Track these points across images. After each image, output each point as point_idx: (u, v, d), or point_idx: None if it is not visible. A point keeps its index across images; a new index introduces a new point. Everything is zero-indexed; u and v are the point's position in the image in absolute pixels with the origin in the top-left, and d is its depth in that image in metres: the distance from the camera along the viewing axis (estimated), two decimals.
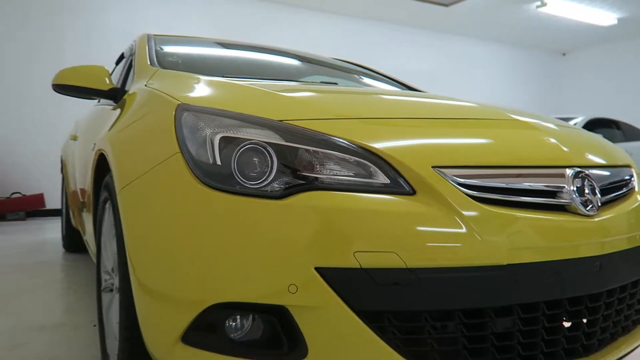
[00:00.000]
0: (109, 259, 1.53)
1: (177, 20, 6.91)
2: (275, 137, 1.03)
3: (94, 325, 2.01)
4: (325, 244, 0.92)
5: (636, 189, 1.33)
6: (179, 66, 2.02)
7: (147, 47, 2.08)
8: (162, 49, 2.16)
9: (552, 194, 1.08)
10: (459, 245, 0.94)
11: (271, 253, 0.93)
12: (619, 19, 8.26)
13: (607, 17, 8.17)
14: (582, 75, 10.66)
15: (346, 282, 0.91)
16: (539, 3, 7.50)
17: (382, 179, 0.99)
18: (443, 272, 0.93)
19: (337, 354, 0.93)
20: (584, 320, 1.08)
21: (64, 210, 3.79)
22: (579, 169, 1.12)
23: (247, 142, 1.01)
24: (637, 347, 1.26)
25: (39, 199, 5.96)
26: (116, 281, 1.38)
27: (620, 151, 1.47)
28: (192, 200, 1.00)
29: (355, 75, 2.57)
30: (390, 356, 0.92)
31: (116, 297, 1.39)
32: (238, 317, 0.99)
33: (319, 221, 0.93)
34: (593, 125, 6.30)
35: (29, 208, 5.92)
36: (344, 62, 2.85)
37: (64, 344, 1.81)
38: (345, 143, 1.02)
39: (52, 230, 4.94)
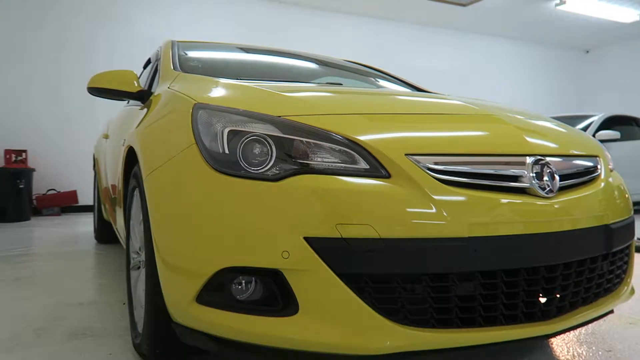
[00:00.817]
0: (137, 240, 1.75)
1: (201, 24, 7.19)
2: (274, 130, 1.22)
3: (124, 304, 2.24)
4: (312, 218, 1.11)
5: (602, 176, 1.47)
6: (199, 70, 2.24)
7: (170, 53, 2.31)
8: (184, 54, 2.38)
9: (513, 178, 1.24)
10: (425, 219, 1.12)
11: (268, 225, 1.12)
12: None
13: (628, 14, 8.11)
14: (606, 73, 10.55)
15: (329, 249, 1.10)
16: (557, 1, 7.52)
17: (363, 164, 1.18)
18: (410, 242, 1.11)
19: (323, 310, 1.12)
20: (542, 289, 1.24)
21: (96, 205, 4.09)
22: (539, 157, 1.28)
23: (250, 134, 1.21)
24: (596, 318, 1.41)
25: (72, 195, 6.32)
26: (142, 257, 1.59)
27: (591, 142, 1.61)
28: (204, 183, 1.21)
29: (362, 76, 2.75)
30: (366, 312, 1.11)
31: (142, 272, 1.61)
32: (243, 280, 1.19)
33: (308, 199, 1.12)
34: (611, 122, 6.31)
35: (63, 204, 6.29)
36: (353, 64, 3.03)
37: (97, 318, 2.05)
38: (332, 135, 1.21)
39: (84, 224, 5.27)
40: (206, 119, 1.29)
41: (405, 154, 1.18)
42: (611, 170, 1.62)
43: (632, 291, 1.58)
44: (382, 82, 2.69)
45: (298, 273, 1.12)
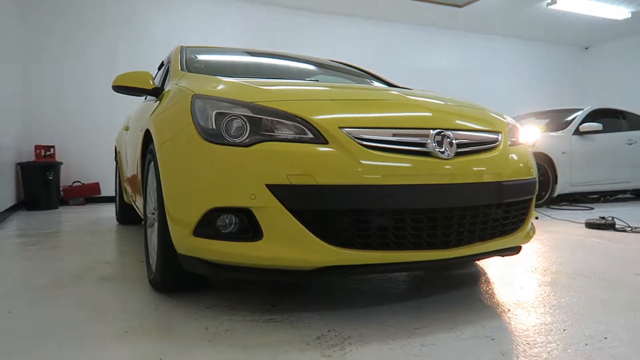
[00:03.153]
0: (152, 203, 2.26)
1: (214, 29, 7.74)
2: (248, 112, 1.71)
3: (142, 262, 2.76)
4: (271, 171, 1.60)
5: (501, 147, 1.93)
6: (202, 70, 2.75)
7: (179, 57, 2.82)
8: (192, 57, 2.89)
9: (420, 144, 1.72)
10: (350, 172, 1.60)
11: (241, 177, 1.62)
12: (632, 13, 8.50)
13: (620, 12, 8.43)
14: (605, 68, 10.86)
15: (282, 192, 1.58)
16: (549, 1, 7.88)
17: (309, 135, 1.67)
18: (339, 187, 1.59)
19: (280, 236, 1.61)
20: (442, 225, 1.71)
21: (117, 190, 4.64)
22: (440, 130, 1.75)
23: (230, 115, 1.70)
24: (495, 252, 1.88)
25: (96, 187, 6.92)
26: (156, 215, 2.10)
27: (497, 122, 2.06)
28: (198, 150, 1.71)
29: (341, 73, 3.24)
30: (309, 236, 1.59)
31: (155, 225, 2.11)
32: (225, 217, 1.68)
33: (269, 158, 1.61)
34: (598, 115, 6.66)
35: (87, 195, 6.89)
36: (337, 63, 3.51)
37: (120, 270, 2.57)
38: (288, 114, 1.69)
39: (107, 211, 5.85)
40: (201, 105, 1.79)
41: (339, 127, 1.67)
42: (515, 145, 2.08)
43: (528, 236, 2.04)
44: (356, 78, 3.17)
45: (262, 210, 1.61)
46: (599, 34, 10.16)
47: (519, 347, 1.47)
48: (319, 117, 1.70)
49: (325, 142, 1.65)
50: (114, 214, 5.25)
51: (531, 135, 5.16)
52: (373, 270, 1.70)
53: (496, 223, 1.88)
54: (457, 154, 1.77)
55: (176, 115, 1.92)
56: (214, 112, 1.73)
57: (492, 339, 1.53)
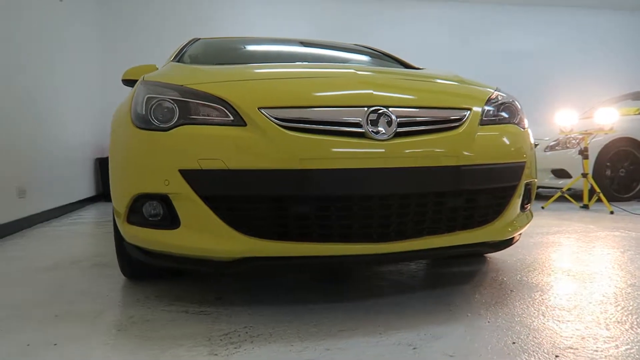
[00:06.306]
0: None
1: (278, 20, 7.81)
2: (177, 95, 1.64)
3: None
4: (184, 155, 1.51)
5: (465, 126, 1.65)
6: (198, 59, 2.73)
7: (180, 48, 2.84)
8: (196, 48, 2.88)
9: (353, 124, 1.52)
10: (264, 155, 1.46)
11: (158, 162, 1.55)
12: None
13: None
14: None
15: (193, 177, 1.50)
16: None
17: (230, 117, 1.55)
18: (250, 172, 1.46)
19: (194, 224, 1.52)
20: (378, 215, 1.50)
21: None
22: (378, 107, 1.54)
23: (158, 98, 1.65)
24: (446, 249, 1.62)
25: None
26: None
27: (468, 98, 1.77)
28: (129, 137, 1.67)
29: (355, 56, 3.04)
30: (221, 225, 1.48)
31: None
32: (149, 206, 1.63)
33: (182, 142, 1.53)
34: None
35: None
36: (360, 47, 3.30)
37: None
38: (210, 96, 1.59)
39: None
40: (139, 90, 1.76)
41: (258, 108, 1.53)
42: (498, 123, 1.77)
43: (505, 230, 1.73)
44: (367, 61, 2.96)
45: (177, 196, 1.53)
46: None
47: None
48: (240, 97, 1.57)
49: (244, 124, 1.53)
50: None
51: (606, 118, 4.48)
52: (295, 263, 1.55)
53: (455, 214, 1.62)
54: (398, 135, 1.55)
55: (125, 103, 1.91)
56: (146, 97, 1.69)
57: (414, 349, 1.31)
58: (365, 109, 1.54)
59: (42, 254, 2.76)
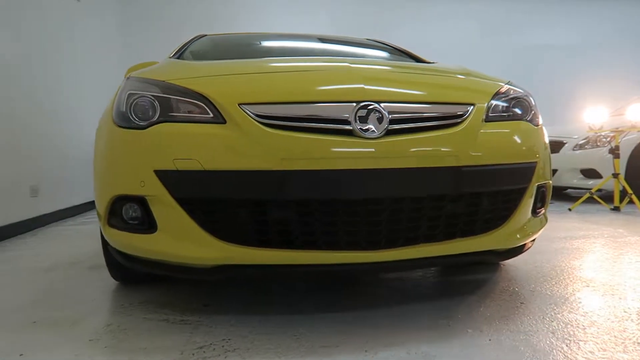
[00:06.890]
0: None
1: (302, 18, 7.70)
2: (157, 91, 1.55)
3: None
4: (159, 155, 1.42)
5: (468, 122, 1.49)
6: (197, 56, 2.64)
7: (182, 45, 2.76)
8: (197, 45, 2.80)
9: (341, 121, 1.39)
10: (243, 155, 1.35)
11: (134, 162, 1.46)
12: None
13: None
14: None
15: (168, 179, 1.40)
16: None
17: (210, 113, 1.45)
18: (227, 173, 1.35)
19: (171, 228, 1.42)
20: (366, 221, 1.37)
21: None
22: (368, 103, 1.40)
23: (138, 95, 1.56)
24: (444, 258, 1.47)
25: None
26: None
27: (474, 92, 1.61)
28: (109, 136, 1.59)
29: (360, 49, 2.91)
30: (197, 230, 1.38)
31: None
32: (128, 208, 1.54)
33: (158, 141, 1.43)
34: None
35: None
36: (370, 41, 3.16)
37: None
38: (190, 91, 1.49)
39: None
40: (123, 86, 1.67)
41: (238, 104, 1.42)
42: (507, 120, 1.61)
43: (514, 237, 1.57)
44: (374, 55, 2.82)
45: (153, 198, 1.44)
46: None
47: None
48: (220, 93, 1.46)
49: (223, 121, 1.42)
50: None
51: (639, 115, 4.19)
52: (278, 272, 1.43)
53: (455, 220, 1.47)
54: (391, 132, 1.41)
55: (111, 100, 1.83)
56: (127, 93, 1.60)
57: None
58: (354, 104, 1.41)
59: (44, 254, 2.73)
